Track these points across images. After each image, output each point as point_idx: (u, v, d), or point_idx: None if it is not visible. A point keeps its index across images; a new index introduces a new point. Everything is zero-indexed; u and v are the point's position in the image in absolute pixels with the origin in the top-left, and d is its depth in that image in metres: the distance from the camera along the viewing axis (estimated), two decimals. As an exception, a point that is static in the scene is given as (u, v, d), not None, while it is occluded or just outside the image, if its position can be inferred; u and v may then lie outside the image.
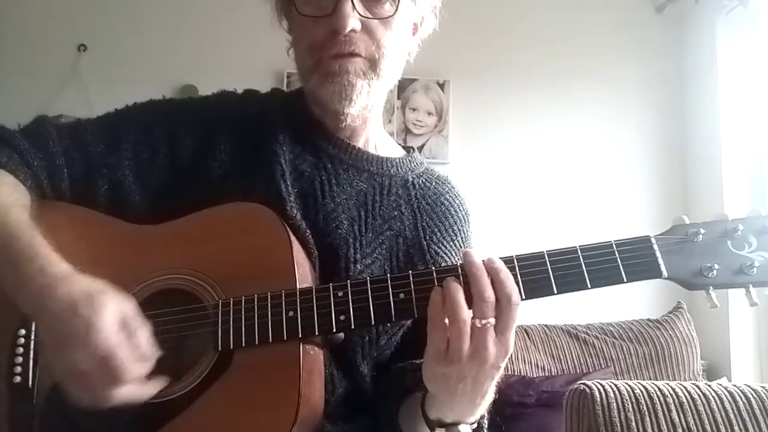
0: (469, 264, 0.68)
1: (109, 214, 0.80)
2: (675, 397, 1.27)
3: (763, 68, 2.64)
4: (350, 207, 0.84)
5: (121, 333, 0.64)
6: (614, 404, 1.26)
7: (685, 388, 1.30)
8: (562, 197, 2.86)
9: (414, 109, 2.90)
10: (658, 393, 1.28)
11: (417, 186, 0.92)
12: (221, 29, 2.82)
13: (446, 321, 0.66)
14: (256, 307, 0.71)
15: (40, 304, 0.66)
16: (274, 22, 0.90)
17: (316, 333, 0.71)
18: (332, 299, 0.71)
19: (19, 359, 0.72)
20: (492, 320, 0.66)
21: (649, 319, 2.52)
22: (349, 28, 0.78)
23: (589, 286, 0.70)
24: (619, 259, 0.70)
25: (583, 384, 1.33)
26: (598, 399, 1.27)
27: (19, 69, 2.77)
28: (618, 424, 1.24)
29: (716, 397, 1.28)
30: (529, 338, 2.45)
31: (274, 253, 0.74)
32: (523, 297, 0.70)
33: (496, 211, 2.73)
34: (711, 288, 0.71)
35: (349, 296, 0.71)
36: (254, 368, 0.70)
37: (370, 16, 0.81)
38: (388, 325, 0.82)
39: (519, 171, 2.89)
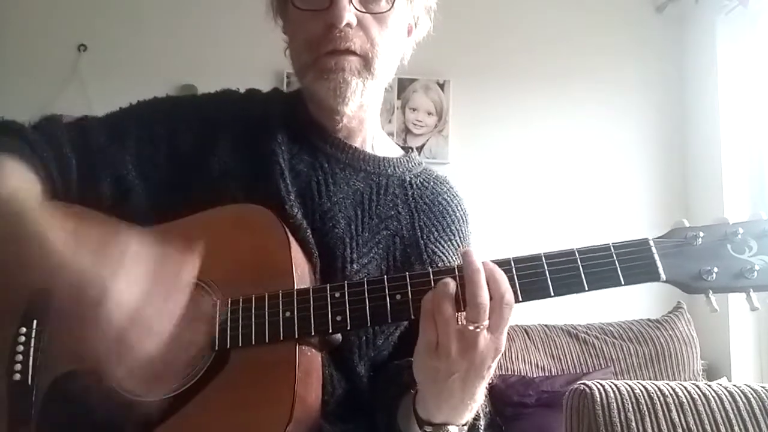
0: (467, 264, 0.67)
1: (112, 209, 0.80)
2: (675, 397, 1.27)
3: (763, 68, 2.64)
4: (347, 206, 0.84)
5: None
6: (614, 404, 1.26)
7: (685, 388, 1.30)
8: (562, 198, 2.86)
9: (414, 109, 2.90)
10: (658, 393, 1.28)
11: (415, 186, 0.92)
12: (221, 29, 2.82)
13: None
14: (253, 307, 0.71)
15: (70, 269, 0.64)
16: (273, 22, 0.90)
17: (313, 333, 0.71)
18: (329, 300, 0.71)
19: (20, 357, 0.72)
20: (485, 323, 0.65)
21: (649, 319, 2.52)
22: (345, 21, 0.79)
23: (587, 289, 0.70)
24: (617, 262, 0.70)
25: (583, 384, 1.33)
26: (598, 399, 1.27)
27: (19, 69, 2.77)
28: (618, 424, 1.24)
29: (716, 397, 1.28)
30: (529, 338, 2.45)
31: (272, 254, 0.74)
32: (520, 299, 0.70)
33: (496, 212, 2.73)
34: (710, 292, 0.70)
35: (346, 297, 0.71)
36: (251, 368, 0.70)
37: (366, 11, 0.82)
38: (385, 325, 0.82)
39: (519, 171, 2.89)
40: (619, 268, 0.70)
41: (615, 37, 2.97)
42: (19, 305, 0.74)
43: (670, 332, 2.44)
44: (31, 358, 0.72)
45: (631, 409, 1.25)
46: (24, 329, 0.73)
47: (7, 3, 2.82)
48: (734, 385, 1.32)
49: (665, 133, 2.94)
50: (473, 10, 2.88)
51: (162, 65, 2.81)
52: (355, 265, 0.81)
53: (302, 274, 0.75)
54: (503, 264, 0.70)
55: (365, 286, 0.71)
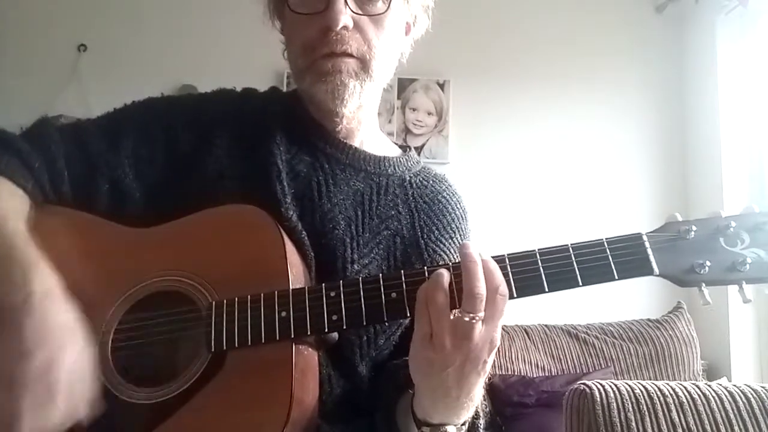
0: (465, 256, 0.67)
1: (110, 212, 0.80)
2: (675, 397, 1.27)
3: (763, 68, 2.64)
4: (347, 207, 0.84)
5: (69, 383, 0.63)
6: (614, 404, 1.26)
7: (685, 388, 1.30)
8: (563, 197, 2.86)
9: (414, 109, 2.90)
10: (658, 393, 1.28)
11: (414, 185, 0.92)
12: (221, 29, 2.82)
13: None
14: (249, 308, 0.71)
15: (12, 320, 0.64)
16: (270, 23, 0.90)
17: (308, 333, 0.71)
18: (324, 299, 0.71)
19: None
20: (481, 314, 0.65)
21: (649, 319, 2.52)
22: (341, 25, 0.79)
23: (581, 284, 0.70)
24: (610, 257, 0.70)
25: (583, 384, 1.33)
26: (598, 399, 1.27)
27: (19, 69, 2.77)
28: (618, 424, 1.24)
29: (716, 397, 1.28)
30: (529, 338, 2.45)
31: (267, 255, 0.74)
32: (515, 295, 0.70)
33: (496, 211, 2.73)
34: (703, 285, 0.71)
35: (341, 296, 0.71)
36: (247, 369, 0.70)
37: (362, 13, 0.81)
38: (386, 324, 0.82)
39: (519, 171, 2.89)
40: (612, 263, 0.70)
41: (615, 38, 2.97)
42: None
43: (670, 332, 2.44)
44: None
45: (631, 409, 1.25)
46: None
47: (7, 3, 2.82)
48: (734, 385, 1.32)
49: (665, 133, 2.94)
50: (473, 10, 2.89)
51: (162, 65, 2.81)
52: (355, 266, 0.81)
53: (297, 275, 0.75)
54: (498, 260, 0.70)
55: (360, 285, 0.71)
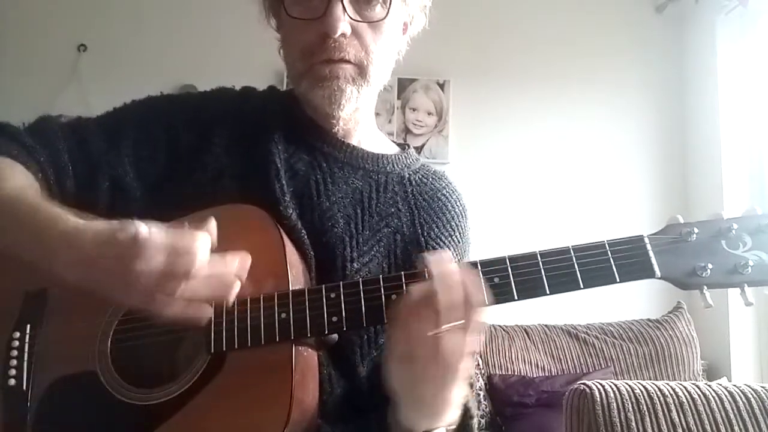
0: (432, 269, 0.65)
1: (110, 210, 0.80)
2: (675, 397, 1.27)
3: (763, 68, 2.64)
4: (346, 205, 0.84)
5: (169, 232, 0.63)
6: (614, 404, 1.26)
7: (685, 388, 1.30)
8: (563, 198, 2.86)
9: (414, 109, 2.90)
10: (658, 393, 1.28)
11: (413, 182, 0.92)
12: (221, 29, 2.82)
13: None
14: (248, 309, 0.71)
15: (77, 254, 0.64)
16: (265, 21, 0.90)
17: (308, 335, 0.70)
18: (324, 300, 0.71)
19: (14, 362, 0.72)
20: (457, 323, 0.64)
21: (649, 319, 2.52)
22: (339, 32, 0.78)
23: (582, 287, 0.69)
24: (612, 259, 0.70)
25: (583, 384, 1.33)
26: (598, 399, 1.27)
27: (19, 69, 2.77)
28: (618, 424, 1.24)
29: (716, 397, 1.28)
30: (529, 338, 2.45)
31: (266, 255, 0.74)
32: (516, 298, 0.69)
33: (496, 211, 2.73)
34: (705, 288, 0.70)
35: (342, 297, 0.71)
36: (247, 370, 0.70)
37: (361, 19, 0.81)
38: (386, 325, 0.82)
39: (519, 171, 2.89)
40: (614, 266, 0.69)
41: (615, 38, 2.98)
42: (14, 309, 0.74)
43: (670, 332, 2.44)
44: (25, 363, 0.72)
45: (631, 409, 1.26)
46: (18, 333, 0.73)
47: (7, 3, 2.82)
48: (734, 385, 1.32)
49: (665, 133, 2.95)
50: (473, 10, 2.89)
51: (162, 65, 2.81)
52: (355, 264, 0.81)
53: (297, 275, 0.75)
54: (499, 263, 0.70)
55: (360, 286, 0.71)
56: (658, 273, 0.70)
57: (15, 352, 0.72)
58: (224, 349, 0.70)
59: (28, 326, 0.73)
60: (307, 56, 0.81)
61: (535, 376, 2.33)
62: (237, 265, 0.67)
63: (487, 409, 2.21)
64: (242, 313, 0.71)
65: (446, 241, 0.89)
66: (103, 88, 2.66)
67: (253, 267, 0.73)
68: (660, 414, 1.25)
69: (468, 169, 2.84)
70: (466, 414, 0.77)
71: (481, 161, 2.89)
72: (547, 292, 0.69)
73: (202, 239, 0.63)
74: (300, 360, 0.71)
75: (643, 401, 1.27)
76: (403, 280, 0.71)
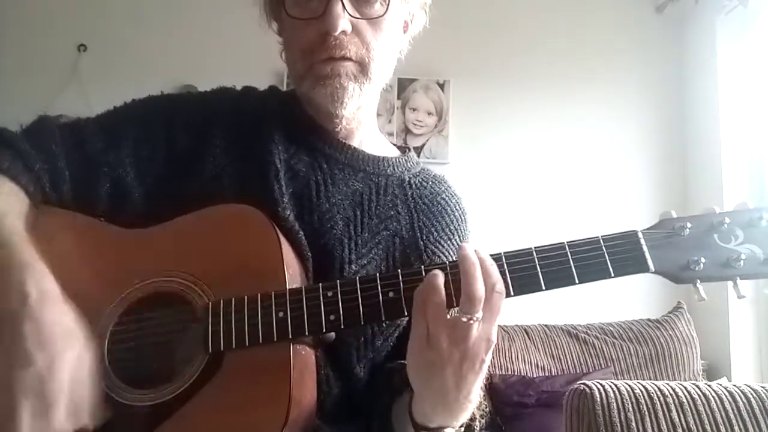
0: (463, 257, 0.67)
1: (109, 212, 0.80)
2: (675, 397, 1.27)
3: (763, 68, 2.64)
4: (345, 207, 0.84)
5: (70, 388, 0.63)
6: (614, 404, 1.26)
7: (685, 388, 1.30)
8: (563, 197, 2.86)
9: (414, 109, 2.90)
10: (658, 393, 1.28)
11: (413, 186, 0.92)
12: (221, 29, 2.82)
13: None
14: (246, 308, 0.71)
15: (10, 324, 0.63)
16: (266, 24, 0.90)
17: (306, 334, 0.70)
18: (322, 299, 0.71)
19: None
20: (478, 315, 0.65)
21: (649, 319, 2.52)
22: (339, 30, 0.78)
23: (577, 282, 0.70)
24: (606, 254, 0.70)
25: (583, 384, 1.33)
26: (598, 399, 1.27)
27: (19, 69, 2.78)
28: (618, 424, 1.24)
29: (716, 397, 1.28)
30: (529, 338, 2.45)
31: (263, 255, 0.74)
32: (512, 293, 0.69)
33: (496, 211, 2.73)
34: (698, 281, 0.71)
35: (339, 296, 0.71)
36: (245, 370, 0.70)
37: (360, 17, 0.81)
38: (384, 325, 0.81)
39: (519, 171, 2.89)
40: (608, 261, 0.70)
41: (615, 38, 2.98)
42: None
43: (670, 332, 2.44)
44: None
45: (631, 409, 1.25)
46: None
47: (7, 3, 2.82)
48: (734, 385, 1.32)
49: (665, 133, 2.94)
50: (473, 10, 2.89)
51: (162, 65, 2.81)
52: (353, 266, 0.81)
53: (294, 274, 0.75)
54: (495, 259, 0.70)
55: (358, 284, 0.71)
56: (651, 267, 0.70)
57: None
58: (222, 348, 0.70)
59: None
60: (308, 55, 0.81)
61: (535, 376, 2.32)
62: None
63: (487, 409, 2.20)
64: (239, 312, 0.71)
65: (445, 245, 0.89)
66: (103, 88, 2.66)
67: (249, 266, 0.73)
68: (660, 414, 1.25)
69: (468, 169, 2.84)
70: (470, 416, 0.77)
71: (481, 161, 2.89)
72: (543, 287, 0.70)
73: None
74: (298, 359, 0.71)
75: (643, 401, 1.26)
76: (400, 278, 0.71)
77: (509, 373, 2.33)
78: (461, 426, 0.74)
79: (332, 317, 0.70)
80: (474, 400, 0.71)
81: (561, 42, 2.94)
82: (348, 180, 0.86)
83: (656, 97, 2.97)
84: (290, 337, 0.70)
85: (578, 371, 2.35)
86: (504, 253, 0.71)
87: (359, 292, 0.71)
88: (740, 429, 1.23)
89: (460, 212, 0.95)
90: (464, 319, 0.65)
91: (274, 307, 0.71)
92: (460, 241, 0.93)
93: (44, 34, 2.83)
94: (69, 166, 0.81)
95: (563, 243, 0.71)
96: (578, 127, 2.93)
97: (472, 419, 0.78)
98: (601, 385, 1.30)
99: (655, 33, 2.99)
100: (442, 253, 0.88)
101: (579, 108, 2.93)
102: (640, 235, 0.71)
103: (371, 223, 0.85)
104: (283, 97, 0.94)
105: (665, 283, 0.72)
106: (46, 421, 0.61)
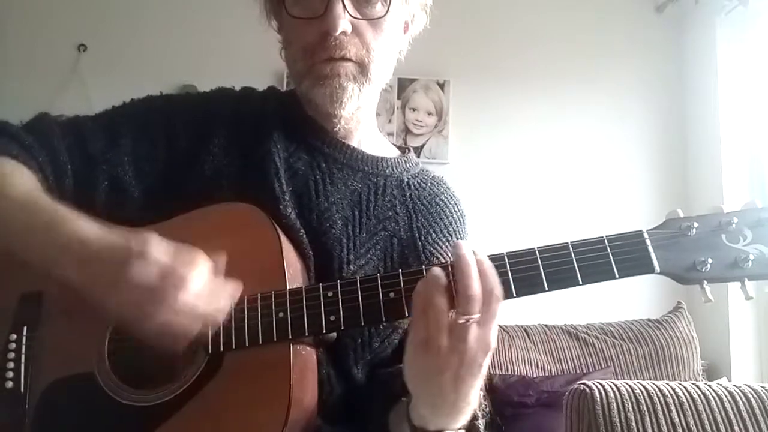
0: (458, 257, 0.66)
1: (108, 209, 0.80)
2: (675, 397, 1.27)
3: (763, 68, 2.64)
4: (344, 207, 0.84)
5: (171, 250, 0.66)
6: (614, 404, 1.26)
7: (685, 388, 1.30)
8: (563, 197, 2.86)
9: (414, 109, 2.90)
10: (658, 393, 1.28)
11: (412, 186, 0.92)
12: (221, 29, 2.82)
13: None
14: (246, 308, 0.71)
15: (83, 251, 0.66)
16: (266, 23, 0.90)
17: (306, 334, 0.70)
18: (322, 299, 0.70)
19: (11, 364, 0.72)
20: (475, 316, 0.64)
21: (649, 319, 2.52)
22: (340, 30, 0.78)
23: (581, 283, 0.69)
24: (611, 255, 0.69)
25: (583, 384, 1.33)
26: (598, 399, 1.27)
27: (19, 69, 2.77)
28: (618, 424, 1.24)
29: (716, 397, 1.28)
30: (529, 338, 2.45)
31: (263, 254, 0.74)
32: (514, 294, 0.69)
33: (497, 212, 2.73)
34: (705, 282, 0.69)
35: (339, 296, 0.70)
36: (245, 370, 0.70)
37: (361, 17, 0.81)
38: (381, 327, 0.81)
39: (519, 171, 2.89)
40: (613, 261, 0.69)
41: (615, 37, 2.97)
42: (8, 310, 0.74)
43: (670, 332, 2.44)
44: (22, 366, 0.72)
45: (631, 409, 1.26)
46: (14, 336, 0.73)
47: (7, 3, 2.82)
48: (734, 385, 1.32)
49: (665, 133, 2.94)
50: (473, 10, 2.89)
51: (162, 65, 2.81)
52: (351, 266, 0.80)
53: (294, 274, 0.74)
54: (497, 259, 0.69)
55: (358, 284, 0.71)
56: (657, 268, 0.69)
57: (12, 354, 0.72)
58: (222, 349, 0.70)
59: (25, 328, 0.73)
60: (309, 55, 0.81)
61: (535, 376, 2.32)
62: (231, 290, 0.69)
63: (487, 409, 2.20)
64: (240, 312, 0.70)
65: (444, 246, 0.89)
66: (103, 88, 2.66)
67: (249, 266, 0.73)
68: (660, 414, 1.25)
69: (468, 169, 2.84)
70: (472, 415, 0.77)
71: (481, 161, 2.89)
72: (546, 288, 0.69)
73: (199, 270, 0.66)
74: (298, 359, 0.71)
75: (643, 401, 1.27)
76: (401, 279, 0.70)
77: (509, 373, 2.33)
78: (461, 428, 0.73)
79: (332, 318, 0.70)
80: (473, 403, 0.70)
81: (561, 42, 2.94)
82: (347, 180, 0.86)
83: (656, 97, 2.96)
84: (290, 337, 0.70)
85: (578, 371, 2.35)
86: (506, 253, 0.70)
87: (359, 293, 0.70)
88: (740, 429, 1.23)
89: (458, 213, 0.95)
90: (461, 321, 0.64)
91: (274, 307, 0.70)
92: None
93: (44, 34, 2.83)
94: (71, 162, 0.81)
95: (567, 243, 0.70)
96: (578, 127, 2.93)
97: (474, 418, 0.78)
98: (601, 385, 1.31)
99: (655, 33, 2.99)
100: (441, 254, 0.88)
101: (579, 108, 2.93)
102: (646, 235, 0.70)
103: (369, 224, 0.84)
104: (282, 97, 0.94)
105: (665, 283, 0.71)
106: (180, 279, 0.64)
